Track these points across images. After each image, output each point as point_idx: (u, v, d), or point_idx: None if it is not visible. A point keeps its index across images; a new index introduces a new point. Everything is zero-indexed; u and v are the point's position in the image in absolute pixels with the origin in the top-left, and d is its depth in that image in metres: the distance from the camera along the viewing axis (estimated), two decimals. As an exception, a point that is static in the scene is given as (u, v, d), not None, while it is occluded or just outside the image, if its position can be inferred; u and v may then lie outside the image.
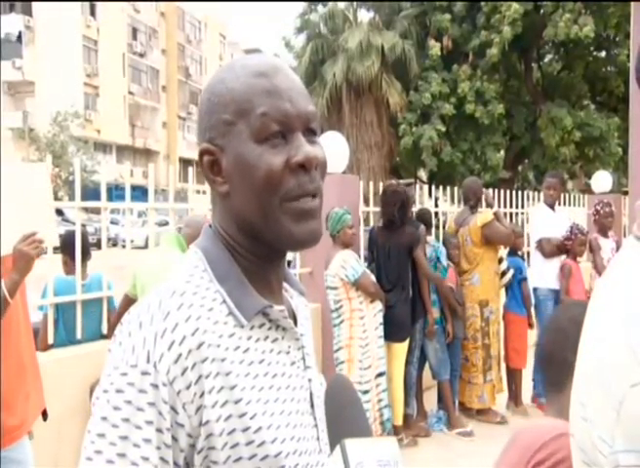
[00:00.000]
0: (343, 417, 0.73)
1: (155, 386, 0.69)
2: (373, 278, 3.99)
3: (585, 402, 0.67)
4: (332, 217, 3.94)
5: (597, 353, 0.66)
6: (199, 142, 0.83)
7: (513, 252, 5.10)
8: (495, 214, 4.68)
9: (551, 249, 4.95)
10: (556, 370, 1.12)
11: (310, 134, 0.81)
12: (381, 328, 3.99)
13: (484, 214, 4.70)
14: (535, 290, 5.04)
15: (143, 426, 0.69)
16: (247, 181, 0.78)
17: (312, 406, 0.86)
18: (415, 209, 4.92)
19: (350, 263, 3.86)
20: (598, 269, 4.90)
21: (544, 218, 5.10)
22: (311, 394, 0.86)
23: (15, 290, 2.14)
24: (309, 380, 0.87)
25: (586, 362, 0.68)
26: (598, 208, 5.20)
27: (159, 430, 0.69)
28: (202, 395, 0.72)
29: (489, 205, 4.97)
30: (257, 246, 0.82)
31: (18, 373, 2.23)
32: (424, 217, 4.74)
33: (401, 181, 4.65)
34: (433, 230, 5.16)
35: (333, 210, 3.97)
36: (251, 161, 0.77)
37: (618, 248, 4.88)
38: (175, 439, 0.70)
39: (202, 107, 0.83)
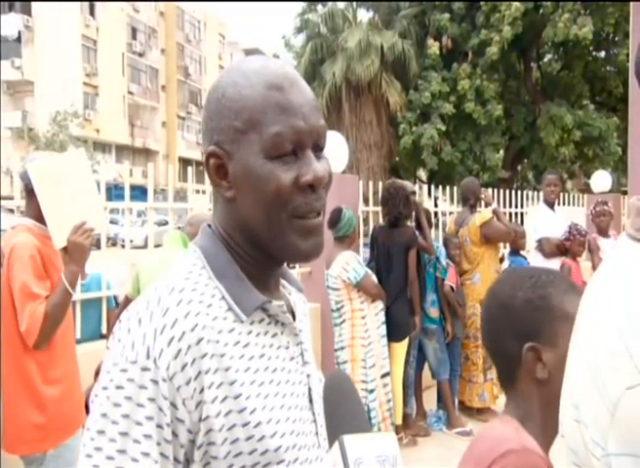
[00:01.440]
0: (342, 413, 0.73)
1: (155, 382, 0.70)
2: (374, 279, 3.97)
3: (579, 404, 0.66)
4: (344, 218, 3.88)
5: (593, 354, 0.65)
6: (205, 142, 0.82)
7: (516, 251, 5.10)
8: (494, 211, 4.69)
9: (551, 248, 4.96)
10: (502, 364, 1.05)
11: (319, 148, 0.81)
12: (384, 327, 3.99)
13: (483, 214, 4.72)
14: None
15: (144, 422, 0.69)
16: (255, 194, 0.78)
17: (311, 401, 0.86)
18: None
19: (352, 265, 3.84)
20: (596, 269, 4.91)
21: (544, 218, 5.10)
22: (310, 389, 0.87)
23: (75, 281, 2.20)
24: (308, 376, 0.88)
25: (581, 363, 0.67)
26: (592, 207, 5.21)
27: (159, 426, 0.69)
28: (202, 391, 0.72)
29: (487, 204, 4.97)
30: (258, 252, 0.82)
31: (74, 363, 2.34)
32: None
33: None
34: (433, 230, 5.15)
35: (343, 211, 3.91)
36: (260, 175, 0.77)
37: None
38: (175, 434, 0.71)
39: (211, 106, 0.81)
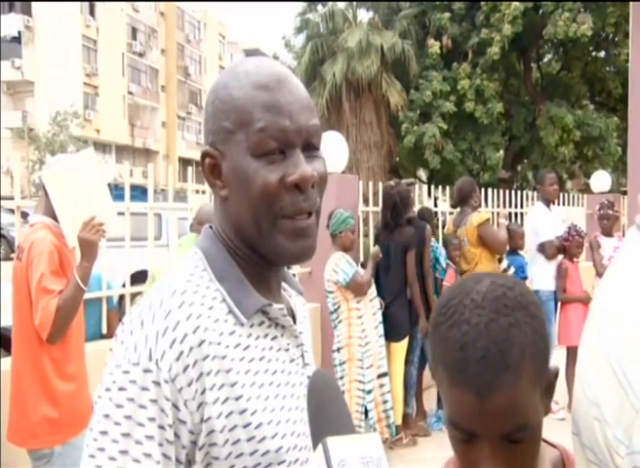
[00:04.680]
0: (325, 415, 0.73)
1: (157, 383, 0.70)
2: (365, 276, 3.91)
3: (601, 402, 0.65)
4: (335, 217, 3.91)
5: (614, 350, 0.64)
6: (204, 143, 0.85)
7: (514, 251, 5.09)
8: (499, 223, 4.75)
9: (553, 251, 4.95)
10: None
11: (311, 148, 0.81)
12: (381, 326, 3.99)
13: (480, 214, 4.70)
14: (536, 292, 5.03)
15: (146, 423, 0.69)
16: (243, 193, 0.79)
17: None
18: (416, 208, 4.92)
19: (341, 266, 3.83)
20: (596, 268, 4.91)
21: (543, 218, 5.07)
22: None
23: (87, 276, 2.26)
24: (308, 377, 0.88)
25: (600, 359, 0.66)
26: (597, 208, 5.20)
27: (161, 427, 0.70)
28: (203, 392, 0.73)
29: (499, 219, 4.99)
30: (252, 252, 0.83)
31: (84, 361, 2.39)
32: (425, 217, 4.73)
33: (403, 181, 4.64)
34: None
35: (338, 209, 3.95)
36: (247, 174, 0.78)
37: None
38: (177, 435, 0.71)
39: (207, 109, 0.84)
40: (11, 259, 3.12)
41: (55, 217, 2.31)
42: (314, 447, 0.68)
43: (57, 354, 2.23)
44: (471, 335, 0.71)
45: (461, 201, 4.85)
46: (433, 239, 4.70)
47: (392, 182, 4.49)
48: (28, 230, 2.33)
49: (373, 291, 4.00)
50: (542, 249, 4.99)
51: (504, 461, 0.71)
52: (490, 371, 0.69)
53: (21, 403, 2.23)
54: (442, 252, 4.56)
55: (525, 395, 0.70)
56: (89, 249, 2.27)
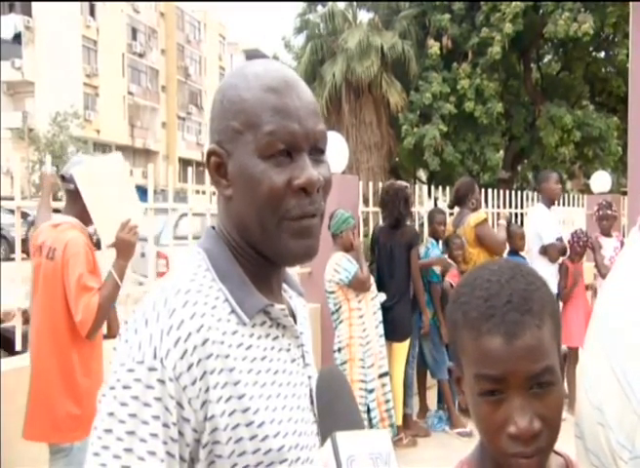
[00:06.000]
0: (334, 410, 0.74)
1: (162, 382, 0.71)
2: (365, 271, 3.92)
3: (604, 407, 0.65)
4: (336, 217, 3.91)
5: (617, 355, 0.64)
6: (210, 142, 0.85)
7: (515, 252, 5.07)
8: (499, 224, 4.75)
9: (556, 254, 4.93)
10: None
11: (317, 153, 0.82)
12: (382, 326, 3.99)
13: (477, 214, 4.70)
14: None
15: (150, 421, 0.70)
16: (249, 194, 0.79)
17: (312, 402, 0.87)
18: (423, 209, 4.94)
19: (342, 265, 3.84)
20: (598, 268, 4.90)
21: (544, 220, 5.03)
22: (311, 390, 0.88)
23: (123, 274, 2.34)
24: (309, 377, 0.89)
25: (603, 364, 0.66)
26: (595, 209, 5.19)
27: (165, 425, 0.70)
28: (207, 390, 0.73)
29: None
30: (254, 251, 0.84)
31: (102, 355, 2.44)
32: (435, 218, 4.72)
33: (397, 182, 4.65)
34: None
35: (338, 210, 3.96)
36: (254, 176, 0.78)
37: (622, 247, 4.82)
38: (181, 433, 0.72)
39: (214, 108, 0.84)
40: (11, 260, 3.10)
41: (80, 218, 2.37)
42: (323, 441, 0.68)
43: (85, 350, 2.29)
44: (494, 289, 0.75)
45: (459, 201, 4.84)
46: (432, 240, 4.70)
47: (394, 182, 4.50)
48: (53, 230, 2.37)
49: (374, 289, 4.01)
50: (545, 252, 4.95)
51: (534, 412, 0.72)
52: (515, 313, 0.73)
53: (45, 399, 2.28)
54: (432, 253, 4.53)
55: (547, 339, 0.73)
56: (126, 248, 2.36)
